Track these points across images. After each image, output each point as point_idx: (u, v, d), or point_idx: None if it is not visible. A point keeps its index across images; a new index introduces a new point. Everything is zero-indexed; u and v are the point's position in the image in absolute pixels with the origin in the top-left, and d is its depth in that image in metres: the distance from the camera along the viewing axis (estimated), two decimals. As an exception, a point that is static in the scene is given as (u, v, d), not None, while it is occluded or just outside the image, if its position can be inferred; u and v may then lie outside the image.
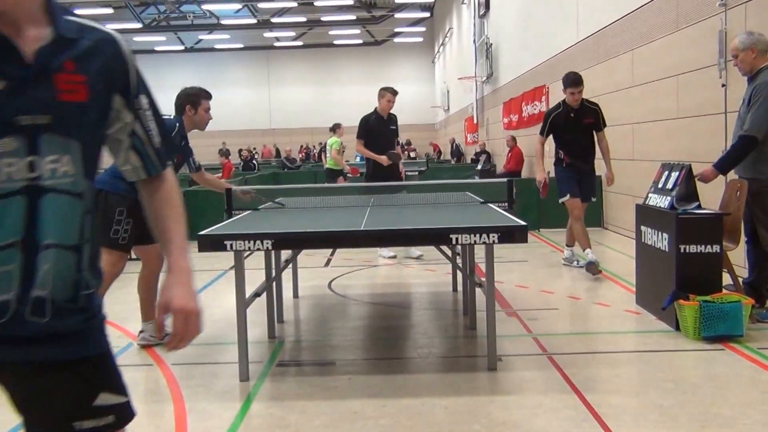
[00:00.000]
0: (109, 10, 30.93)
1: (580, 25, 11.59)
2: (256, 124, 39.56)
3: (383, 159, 8.25)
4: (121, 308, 5.92)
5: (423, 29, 37.73)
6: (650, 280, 5.64)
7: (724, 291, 5.04)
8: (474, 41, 22.56)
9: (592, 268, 6.99)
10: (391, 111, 8.55)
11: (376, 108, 8.52)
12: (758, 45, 5.04)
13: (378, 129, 8.38)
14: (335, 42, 38.04)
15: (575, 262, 7.61)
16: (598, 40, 10.77)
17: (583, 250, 7.25)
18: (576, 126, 7.30)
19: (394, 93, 8.42)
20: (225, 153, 17.71)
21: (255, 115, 39.80)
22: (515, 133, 16.60)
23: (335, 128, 13.73)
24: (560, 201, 7.40)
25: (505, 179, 5.54)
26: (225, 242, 3.98)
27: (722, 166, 5.27)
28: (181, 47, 38.97)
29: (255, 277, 5.40)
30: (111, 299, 4.71)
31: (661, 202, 5.47)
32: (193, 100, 5.22)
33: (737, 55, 5.18)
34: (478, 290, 5.00)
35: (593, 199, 7.71)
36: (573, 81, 7.26)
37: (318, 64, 39.27)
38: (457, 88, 27.80)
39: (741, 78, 6.68)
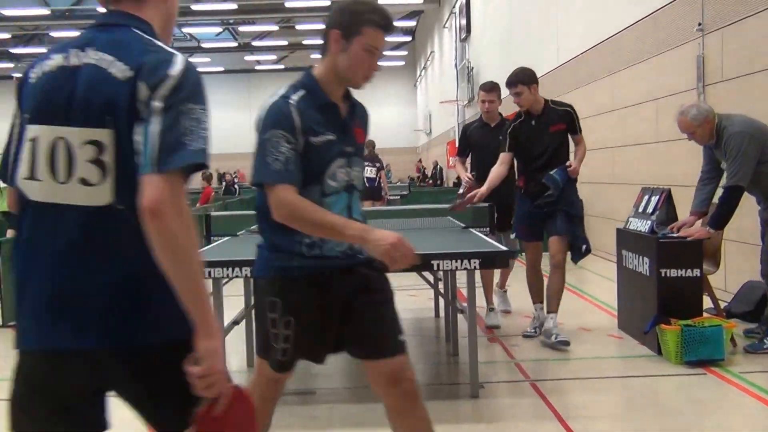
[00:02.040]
0: (88, 33, 30.74)
1: (561, 50, 11.70)
2: (238, 147, 39.31)
3: (464, 176, 6.26)
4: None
5: (405, 53, 38.00)
6: (632, 304, 5.63)
7: (705, 315, 5.04)
8: (455, 65, 22.73)
9: (553, 340, 5.30)
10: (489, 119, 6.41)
11: (481, 115, 6.53)
12: (709, 114, 4.96)
13: (479, 140, 6.34)
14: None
15: (553, 336, 5.33)
16: (578, 65, 10.87)
17: (533, 303, 5.73)
18: (540, 134, 5.46)
19: (490, 89, 6.34)
20: (207, 178, 17.61)
21: (236, 138, 39.59)
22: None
23: None
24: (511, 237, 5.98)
25: (486, 204, 5.52)
26: (203, 269, 3.92)
27: (717, 222, 5.01)
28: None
29: (234, 304, 5.32)
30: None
31: (641, 226, 5.48)
32: None
33: (694, 132, 5.01)
34: (460, 316, 4.96)
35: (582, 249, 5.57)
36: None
37: (300, 88, 39.37)
38: (439, 111, 27.96)
39: (720, 102, 6.76)
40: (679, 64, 7.56)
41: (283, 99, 2.56)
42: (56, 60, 1.75)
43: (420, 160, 34.47)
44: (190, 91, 1.68)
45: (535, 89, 5.44)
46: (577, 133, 5.57)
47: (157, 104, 1.63)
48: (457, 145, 5.86)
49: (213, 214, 6.18)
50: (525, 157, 5.60)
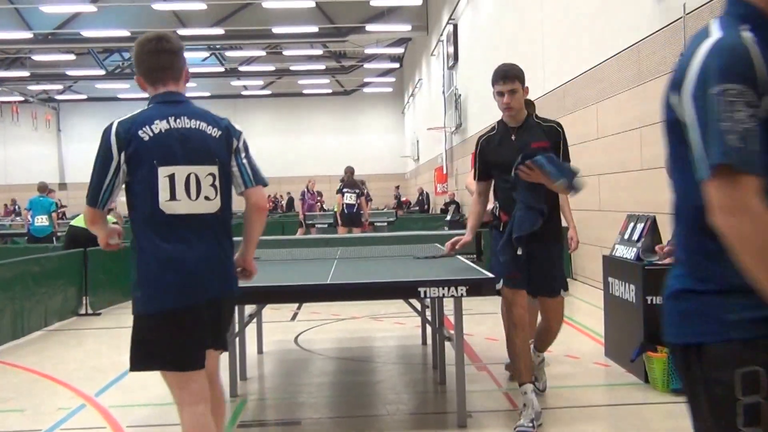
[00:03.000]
0: (71, 57, 30.62)
1: (547, 78, 11.80)
2: (225, 173, 39.37)
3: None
4: (76, 366, 5.73)
5: (393, 80, 38.22)
6: (619, 331, 5.62)
7: (692, 343, 5.03)
8: (443, 92, 22.88)
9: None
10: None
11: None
12: None
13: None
14: (304, 91, 38.33)
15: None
16: (563, 93, 10.96)
17: (519, 385, 4.23)
18: (518, 154, 4.12)
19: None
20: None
21: (223, 164, 39.62)
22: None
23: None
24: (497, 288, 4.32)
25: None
26: (187, 298, 3.87)
27: None
28: (145, 95, 38.52)
29: (219, 332, 5.26)
30: (64, 358, 4.55)
31: (627, 253, 5.49)
32: None
33: None
34: (447, 344, 4.92)
35: (561, 293, 4.52)
36: (499, 73, 4.33)
37: (287, 113, 39.46)
38: (426, 138, 28.08)
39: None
40: (662, 93, 7.62)
41: (733, 32, 1.55)
42: (162, 125, 2.89)
43: (397, 187, 34.32)
44: (246, 142, 3.15)
45: (526, 92, 4.36)
46: (568, 159, 4.30)
47: (242, 148, 3.08)
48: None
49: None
50: (499, 182, 4.39)
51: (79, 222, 10.10)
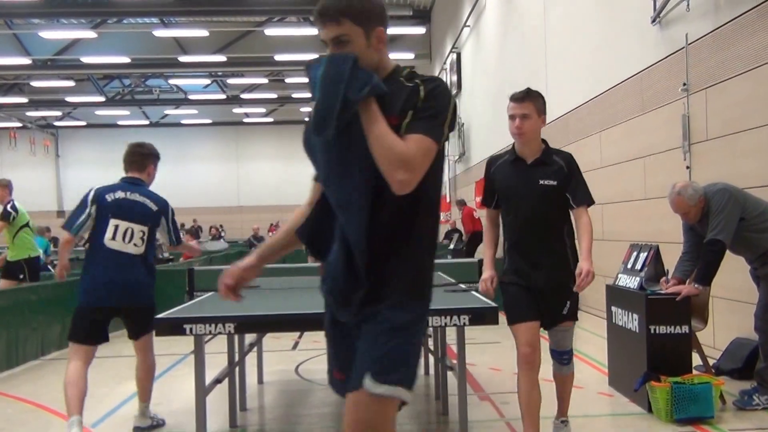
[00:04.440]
0: (71, 83, 30.53)
1: (550, 107, 11.76)
2: (224, 201, 39.33)
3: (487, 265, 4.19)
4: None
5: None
6: (622, 361, 5.56)
7: (694, 372, 5.00)
8: (444, 121, 22.92)
9: None
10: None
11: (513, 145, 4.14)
12: (703, 193, 5.03)
13: (507, 183, 4.07)
14: (306, 119, 38.27)
15: None
16: (566, 122, 10.98)
17: None
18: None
19: (523, 97, 4.01)
20: (193, 232, 17.51)
21: (223, 191, 39.59)
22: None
23: None
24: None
25: (476, 260, 5.47)
26: (184, 326, 3.83)
27: (704, 278, 4.97)
28: (146, 122, 38.45)
29: (217, 362, 5.20)
30: (60, 388, 4.48)
31: (630, 282, 5.45)
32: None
33: (688, 212, 5.05)
34: (450, 373, 4.86)
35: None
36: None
37: (288, 141, 39.46)
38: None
39: (705, 161, 6.82)
40: (665, 122, 7.64)
41: None
42: (119, 195, 4.74)
43: None
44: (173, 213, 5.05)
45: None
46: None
47: (170, 222, 4.96)
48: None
49: (196, 268, 6.10)
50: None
51: None
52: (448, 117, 2.23)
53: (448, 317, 3.90)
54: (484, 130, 17.91)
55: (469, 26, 18.72)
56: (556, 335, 4.14)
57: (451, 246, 18.13)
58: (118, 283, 4.58)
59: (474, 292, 4.89)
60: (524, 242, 3.98)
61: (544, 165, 3.97)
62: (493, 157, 4.19)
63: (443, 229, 23.56)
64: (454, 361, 4.31)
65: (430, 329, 5.50)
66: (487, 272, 4.10)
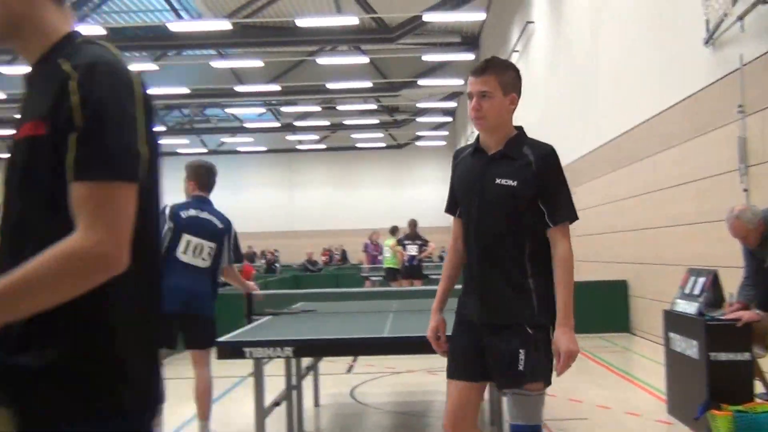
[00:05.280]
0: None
1: (600, 131, 11.77)
2: (279, 225, 39.92)
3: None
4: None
5: (446, 133, 38.49)
6: (681, 388, 5.47)
7: (756, 400, 4.88)
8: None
9: None
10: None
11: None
12: (762, 217, 4.97)
13: (463, 179, 3.05)
14: (357, 145, 38.84)
15: None
16: (618, 146, 10.90)
17: None
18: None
19: (482, 69, 2.88)
20: (247, 256, 17.89)
21: (277, 216, 40.23)
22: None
23: (394, 230, 15.26)
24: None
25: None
26: (244, 349, 3.94)
27: (765, 304, 4.92)
28: (204, 150, 39.61)
29: (274, 384, 5.30)
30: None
31: (688, 308, 5.38)
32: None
33: (747, 236, 5.00)
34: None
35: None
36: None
37: (340, 167, 39.96)
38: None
39: (764, 183, 6.69)
40: (720, 145, 7.54)
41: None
42: (192, 212, 5.05)
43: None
44: (236, 234, 5.35)
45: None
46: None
47: (231, 241, 5.24)
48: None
49: (253, 293, 6.23)
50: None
51: None
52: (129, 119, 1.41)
53: (502, 342, 3.90)
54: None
55: (517, 51, 18.77)
56: (511, 402, 2.92)
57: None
58: (183, 289, 4.84)
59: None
60: (473, 264, 2.94)
61: (507, 159, 2.89)
62: (458, 150, 3.14)
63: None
64: (509, 386, 4.30)
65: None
66: (432, 319, 3.15)
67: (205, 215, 5.08)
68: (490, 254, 2.88)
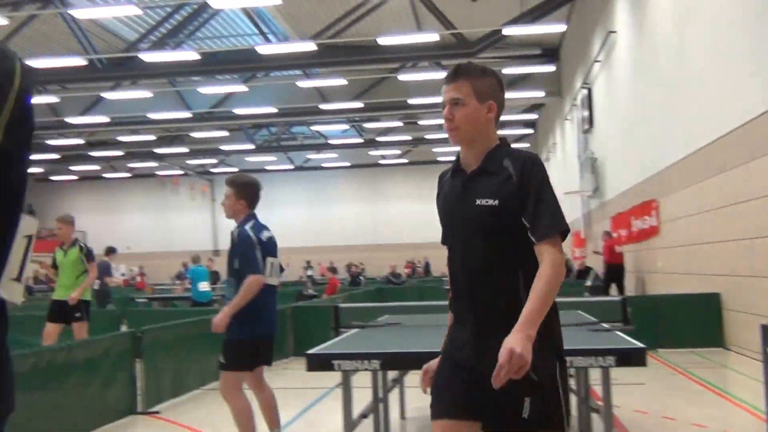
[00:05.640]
0: (225, 133, 33.15)
1: (690, 139, 11.43)
2: (362, 239, 40.42)
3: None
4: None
5: (527, 145, 38.10)
6: (782, 406, 5.24)
7: None
8: (578, 156, 22.56)
9: None
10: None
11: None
12: None
13: (445, 203, 2.72)
14: (439, 159, 38.91)
15: None
16: (709, 153, 10.56)
17: None
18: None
19: (454, 75, 2.58)
20: (332, 269, 18.18)
21: (361, 230, 40.76)
22: (624, 248, 16.22)
23: None
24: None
25: (618, 297, 5.37)
26: (333, 362, 4.03)
27: None
28: (291, 166, 41.17)
29: (360, 396, 5.37)
30: (214, 415, 4.78)
31: (788, 322, 5.17)
32: None
33: None
34: (593, 415, 4.78)
35: None
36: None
37: (422, 180, 40.01)
38: (562, 201, 27.51)
39: None
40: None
41: None
42: (267, 234, 5.02)
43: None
44: None
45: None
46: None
47: None
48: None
49: (341, 305, 6.34)
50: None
51: None
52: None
53: (593, 358, 3.84)
54: (617, 165, 17.48)
55: (599, 61, 18.44)
56: None
57: (588, 282, 17.66)
58: (275, 312, 5.06)
59: (618, 332, 4.82)
60: (461, 296, 2.61)
61: (486, 175, 2.56)
62: (442, 173, 2.81)
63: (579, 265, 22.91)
64: (599, 403, 4.24)
65: (572, 370, 5.45)
66: (434, 361, 2.72)
67: (272, 234, 5.10)
68: (480, 286, 2.51)
